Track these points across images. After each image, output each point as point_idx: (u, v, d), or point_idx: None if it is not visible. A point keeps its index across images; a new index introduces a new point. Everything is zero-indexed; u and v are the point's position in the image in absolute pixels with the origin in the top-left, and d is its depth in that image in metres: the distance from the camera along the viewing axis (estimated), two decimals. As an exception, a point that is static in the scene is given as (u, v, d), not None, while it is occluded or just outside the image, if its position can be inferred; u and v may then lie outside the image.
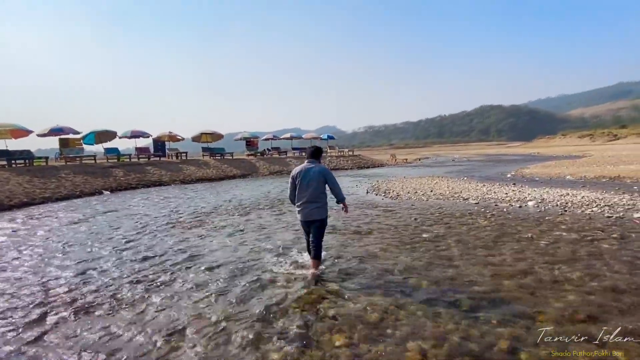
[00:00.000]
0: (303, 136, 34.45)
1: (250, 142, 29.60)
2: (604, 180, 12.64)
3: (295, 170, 4.10)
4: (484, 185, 12.04)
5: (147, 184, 17.56)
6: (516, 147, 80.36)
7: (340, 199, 4.05)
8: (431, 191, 11.06)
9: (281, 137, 32.40)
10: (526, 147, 76.15)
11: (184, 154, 25.24)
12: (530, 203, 8.20)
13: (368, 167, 27.95)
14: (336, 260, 4.66)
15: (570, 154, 37.52)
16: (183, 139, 27.05)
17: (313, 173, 3.97)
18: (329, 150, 33.78)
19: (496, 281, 3.72)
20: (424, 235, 5.82)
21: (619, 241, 4.91)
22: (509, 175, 16.26)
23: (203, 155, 26.30)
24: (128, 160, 22.34)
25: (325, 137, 35.33)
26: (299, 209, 4.04)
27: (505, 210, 7.65)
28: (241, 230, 6.75)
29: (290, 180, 4.11)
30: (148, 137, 25.04)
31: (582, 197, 8.57)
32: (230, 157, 26.25)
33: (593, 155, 29.59)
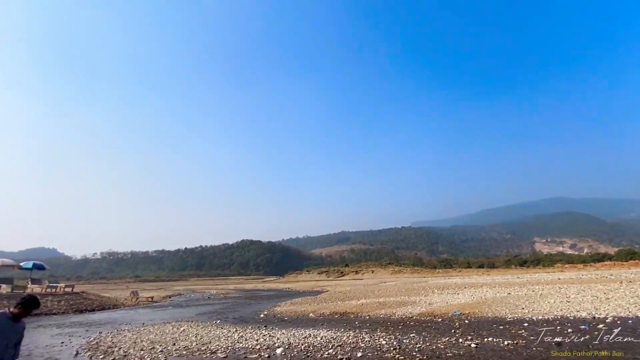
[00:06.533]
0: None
1: None
2: (337, 316, 15.50)
3: None
4: (236, 330, 11.91)
5: None
6: (271, 282, 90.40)
7: None
8: (174, 345, 9.71)
9: None
10: (279, 282, 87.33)
11: None
12: (278, 351, 8.53)
13: (94, 310, 22.39)
14: None
15: (313, 288, 45.36)
16: None
17: (16, 328, 3.92)
18: (30, 285, 25.30)
19: None
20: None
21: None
22: (262, 315, 17.14)
23: None
24: None
25: (30, 265, 26.65)
26: None
27: (254, 363, 7.51)
28: None
29: None
30: None
31: (322, 337, 9.87)
32: None
33: (329, 290, 36.94)
